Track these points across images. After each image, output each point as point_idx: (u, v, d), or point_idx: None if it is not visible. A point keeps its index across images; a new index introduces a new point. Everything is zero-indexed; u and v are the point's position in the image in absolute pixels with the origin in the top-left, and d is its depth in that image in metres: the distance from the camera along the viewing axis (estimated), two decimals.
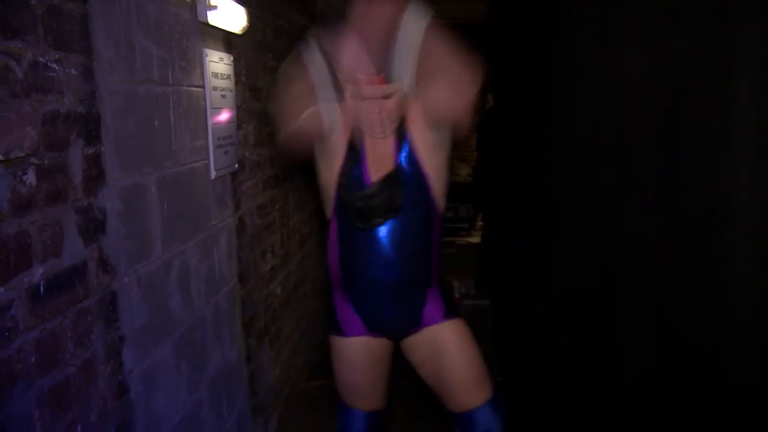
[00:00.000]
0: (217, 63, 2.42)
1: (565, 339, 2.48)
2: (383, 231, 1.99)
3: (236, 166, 2.65)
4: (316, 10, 4.48)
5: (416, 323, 2.11)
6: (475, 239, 5.14)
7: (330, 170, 2.04)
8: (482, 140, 5.37)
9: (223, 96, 2.48)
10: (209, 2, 2.24)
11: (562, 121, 3.02)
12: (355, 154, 1.99)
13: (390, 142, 1.97)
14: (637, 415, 1.96)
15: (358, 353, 2.18)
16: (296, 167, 3.66)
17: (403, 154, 1.96)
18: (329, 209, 2.09)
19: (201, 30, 2.27)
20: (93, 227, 1.56)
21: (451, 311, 2.14)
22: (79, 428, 1.49)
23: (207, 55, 2.30)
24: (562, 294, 2.52)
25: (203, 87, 2.29)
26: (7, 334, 1.24)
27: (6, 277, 1.24)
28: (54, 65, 1.40)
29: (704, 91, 1.59)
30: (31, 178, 1.32)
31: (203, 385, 2.28)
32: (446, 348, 2.11)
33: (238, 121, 2.70)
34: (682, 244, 1.69)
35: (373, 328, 2.14)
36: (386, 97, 1.88)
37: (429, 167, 1.98)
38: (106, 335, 1.62)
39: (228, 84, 2.54)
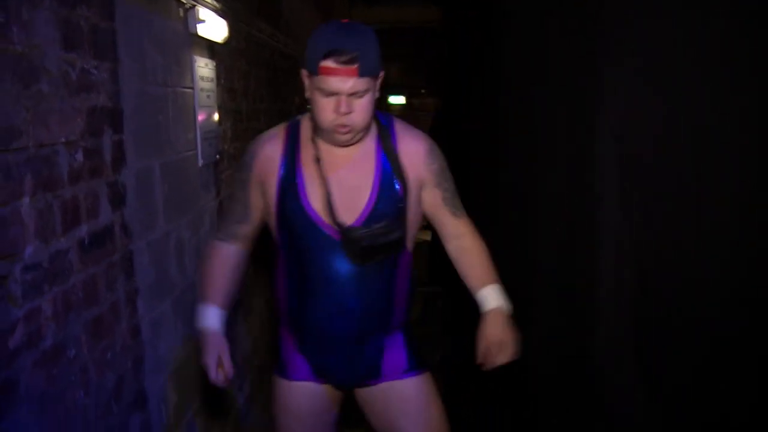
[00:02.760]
0: (203, 68, 2.84)
1: None
2: (342, 272, 1.82)
3: (218, 156, 3.07)
4: (282, 19, 4.92)
5: (373, 375, 1.95)
6: (427, 236, 5.66)
7: (269, 204, 1.91)
8: (438, 134, 5.86)
9: (208, 96, 2.90)
10: (198, 17, 2.67)
11: (497, 121, 3.51)
12: (295, 183, 1.84)
13: (367, 173, 1.82)
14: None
15: (301, 400, 2.00)
16: None
17: (385, 189, 1.81)
18: (274, 235, 1.95)
19: (191, 40, 2.69)
20: (118, 198, 1.97)
21: (414, 364, 1.97)
22: (109, 355, 1.91)
23: (196, 62, 2.73)
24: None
25: (193, 89, 2.71)
26: (66, 272, 1.66)
27: (65, 230, 1.66)
28: (94, 71, 1.82)
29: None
30: (80, 157, 1.73)
31: (194, 342, 2.70)
32: (405, 407, 1.96)
33: (218, 118, 3.12)
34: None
35: (321, 374, 1.97)
36: (355, 93, 1.67)
37: (412, 211, 1.87)
38: (126, 285, 2.03)
39: (211, 86, 2.96)
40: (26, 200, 1.46)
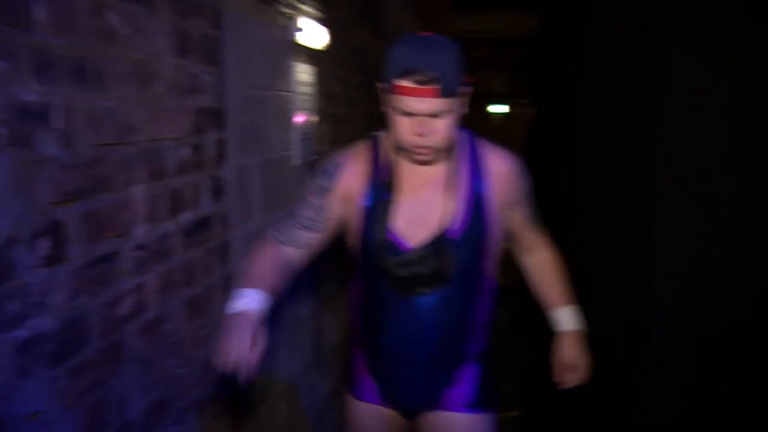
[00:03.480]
0: (303, 73, 3.04)
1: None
2: (418, 300, 1.74)
3: (314, 157, 3.26)
4: (381, 27, 5.09)
5: (436, 403, 1.87)
6: None
7: (351, 223, 1.82)
8: (530, 144, 5.88)
9: (306, 100, 3.09)
10: (300, 26, 2.86)
11: (576, 134, 3.55)
12: (382, 203, 1.73)
13: (446, 199, 1.71)
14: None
15: (368, 421, 1.96)
16: None
17: (469, 212, 1.70)
18: (351, 251, 1.88)
19: (292, 47, 2.89)
20: (218, 191, 2.18)
21: (479, 402, 1.86)
22: (204, 332, 2.11)
23: (295, 67, 2.92)
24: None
25: (292, 92, 2.90)
26: (169, 253, 1.86)
27: (172, 215, 1.86)
28: (202, 75, 2.02)
29: None
30: (187, 151, 1.94)
31: (280, 329, 2.89)
32: None
33: (316, 120, 3.31)
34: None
35: (389, 399, 1.90)
36: (435, 115, 1.56)
37: (494, 234, 1.75)
38: (222, 270, 2.23)
39: (310, 90, 3.16)
40: (139, 187, 1.67)
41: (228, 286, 2.29)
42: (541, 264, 1.96)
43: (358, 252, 1.80)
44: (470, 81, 1.65)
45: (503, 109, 14.63)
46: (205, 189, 2.08)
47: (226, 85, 2.21)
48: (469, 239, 1.69)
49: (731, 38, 2.16)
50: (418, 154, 1.63)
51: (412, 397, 1.85)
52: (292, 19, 2.80)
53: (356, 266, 1.87)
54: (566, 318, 1.90)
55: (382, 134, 1.83)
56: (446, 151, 1.69)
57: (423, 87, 1.51)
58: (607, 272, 3.02)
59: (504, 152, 1.80)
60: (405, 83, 1.52)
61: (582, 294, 2.09)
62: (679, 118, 2.28)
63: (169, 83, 1.82)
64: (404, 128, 1.59)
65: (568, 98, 4.03)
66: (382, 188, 1.74)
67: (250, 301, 1.58)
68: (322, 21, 3.17)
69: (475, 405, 1.86)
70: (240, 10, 2.31)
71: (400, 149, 1.70)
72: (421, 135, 1.57)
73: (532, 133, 5.57)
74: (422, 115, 1.55)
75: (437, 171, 1.73)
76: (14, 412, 1.25)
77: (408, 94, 1.53)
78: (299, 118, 2.99)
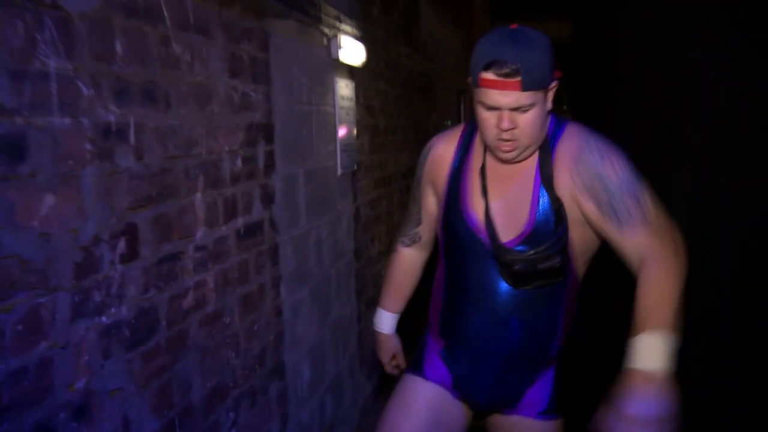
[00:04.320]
0: (344, 88, 3.24)
1: None
2: (504, 288, 1.66)
3: (355, 167, 3.46)
4: (419, 41, 5.28)
5: (511, 405, 1.79)
6: None
7: (439, 207, 1.81)
8: None
9: (347, 113, 3.30)
10: (340, 44, 3.06)
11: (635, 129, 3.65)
12: (459, 191, 1.72)
13: (527, 191, 1.64)
14: None
15: (426, 401, 1.82)
16: (401, 174, 4.46)
17: (542, 207, 1.61)
18: (438, 238, 1.84)
19: (334, 64, 3.10)
20: (268, 198, 2.38)
21: (552, 408, 1.79)
22: (256, 327, 2.31)
23: (337, 83, 3.13)
24: None
25: (334, 107, 3.11)
26: (225, 254, 2.07)
27: (227, 220, 2.07)
28: (252, 93, 2.23)
29: None
30: (239, 163, 2.15)
31: (326, 328, 3.09)
32: None
33: (356, 132, 3.51)
34: None
35: (459, 387, 1.81)
36: (518, 108, 1.50)
37: (576, 233, 1.62)
38: (272, 271, 2.44)
39: (351, 104, 3.36)
40: (199, 195, 1.88)
41: (277, 285, 2.49)
42: (642, 278, 1.46)
43: (446, 237, 1.76)
44: (558, 76, 1.59)
45: None
46: (256, 196, 2.29)
47: (273, 102, 2.42)
48: (543, 240, 1.59)
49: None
50: (503, 150, 1.57)
51: (488, 391, 1.75)
52: (332, 39, 3.01)
53: (441, 252, 1.82)
54: (641, 349, 1.35)
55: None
56: (531, 149, 1.60)
57: (505, 79, 1.47)
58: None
59: (577, 136, 1.62)
60: (488, 76, 1.49)
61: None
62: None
63: (224, 102, 2.03)
64: (488, 123, 1.54)
65: (603, 103, 4.14)
66: (465, 172, 1.72)
67: (387, 324, 2.13)
68: (361, 38, 3.38)
69: (550, 411, 1.78)
70: (285, 33, 2.52)
71: (487, 146, 1.65)
72: (504, 130, 1.52)
73: None
74: (506, 108, 1.50)
75: (522, 166, 1.65)
76: (99, 387, 1.47)
77: (491, 87, 1.49)
78: (341, 130, 3.19)
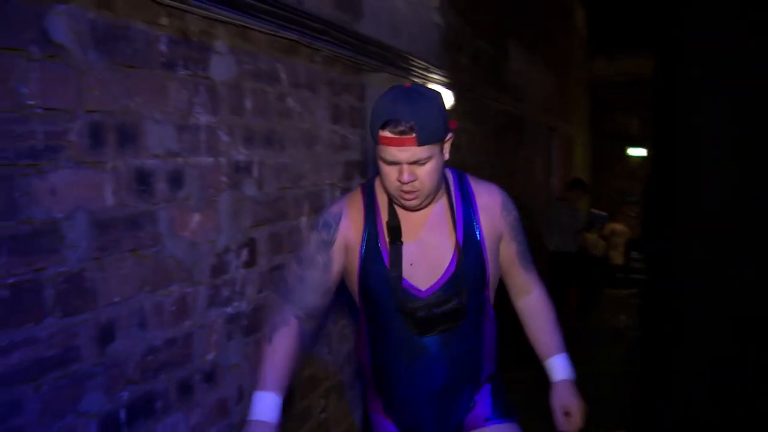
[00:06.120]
0: None
1: None
2: (419, 340, 1.74)
3: None
4: (507, 83, 5.67)
5: (459, 430, 1.87)
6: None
7: (352, 271, 1.78)
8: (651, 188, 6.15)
9: None
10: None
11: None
12: (379, 249, 1.73)
13: (443, 236, 1.74)
14: None
15: None
16: None
17: (467, 248, 1.73)
18: (355, 299, 1.85)
19: None
20: None
21: (499, 413, 1.89)
22: (346, 331, 2.74)
23: None
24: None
25: None
26: None
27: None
28: (349, 135, 2.70)
29: None
30: (338, 193, 2.61)
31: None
32: None
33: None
34: None
35: None
36: (416, 162, 1.59)
37: (492, 266, 1.78)
38: None
39: None
40: (304, 218, 2.35)
41: None
42: (534, 307, 1.91)
43: (363, 297, 1.79)
44: (454, 126, 1.70)
45: (641, 152, 14.59)
46: None
47: (367, 143, 2.88)
48: (473, 273, 1.73)
49: None
50: (406, 200, 1.66)
51: (433, 426, 1.83)
52: (440, 94, 3.44)
53: (361, 311, 1.84)
54: (561, 367, 1.87)
55: (375, 180, 1.81)
56: (432, 196, 1.70)
57: (401, 137, 1.55)
58: None
59: (491, 186, 1.83)
60: (386, 134, 1.56)
61: None
62: None
63: (326, 143, 2.50)
64: (390, 176, 1.62)
65: (687, 141, 4.29)
66: (378, 231, 1.75)
67: (268, 410, 1.62)
68: (448, 85, 3.81)
69: (496, 417, 1.87)
70: (378, 83, 2.98)
71: (391, 197, 1.72)
72: (405, 182, 1.59)
73: (653, 174, 5.82)
74: (404, 162, 1.58)
75: (430, 212, 1.76)
76: (223, 361, 1.93)
77: (389, 144, 1.57)
78: None
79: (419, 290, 1.70)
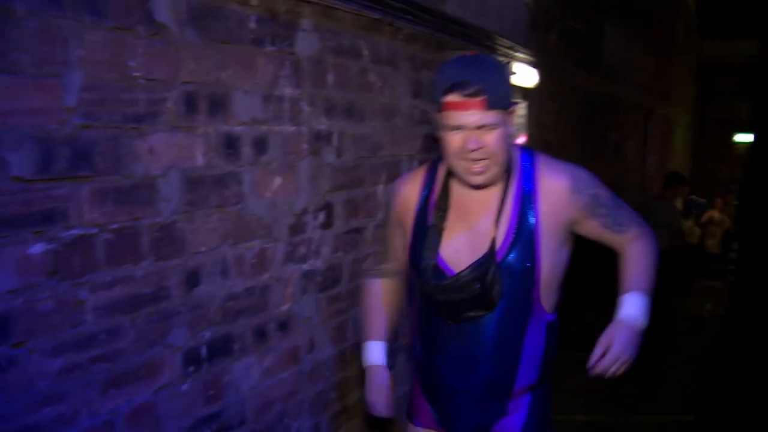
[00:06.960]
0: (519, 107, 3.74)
1: None
2: (468, 326, 1.68)
3: None
4: (600, 63, 5.61)
5: (484, 430, 1.80)
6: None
7: (402, 248, 1.80)
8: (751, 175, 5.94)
9: (519, 128, 3.79)
10: (512, 69, 3.56)
11: None
12: (427, 228, 1.70)
13: (488, 220, 1.66)
14: None
15: None
16: None
17: (516, 238, 1.64)
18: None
19: None
20: None
21: (530, 431, 1.77)
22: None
23: None
24: None
25: None
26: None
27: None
28: (429, 111, 2.81)
29: None
30: (415, 164, 2.73)
31: None
32: None
33: (529, 143, 3.98)
34: None
35: (443, 424, 1.85)
36: (483, 127, 1.51)
37: (547, 262, 1.66)
38: None
39: (522, 121, 3.84)
40: (381, 186, 2.50)
41: None
42: (628, 254, 1.75)
43: (412, 277, 1.79)
44: (516, 102, 1.66)
45: (750, 138, 13.90)
46: None
47: None
48: (515, 266, 1.63)
49: None
50: (473, 173, 1.57)
51: (464, 426, 1.78)
52: (506, 64, 3.52)
53: (411, 292, 1.85)
54: (629, 306, 1.66)
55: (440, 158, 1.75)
56: (499, 172, 1.61)
57: (469, 99, 1.48)
58: None
59: (560, 169, 1.69)
60: (451, 98, 1.50)
61: None
62: None
63: (405, 117, 2.64)
64: (455, 145, 1.54)
65: None
66: (432, 213, 1.71)
67: (376, 356, 1.84)
68: (535, 64, 3.85)
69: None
70: None
71: (453, 174, 1.67)
72: (472, 149, 1.52)
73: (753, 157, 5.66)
74: (471, 128, 1.51)
75: (487, 196, 1.66)
76: (297, 313, 2.12)
77: (456, 108, 1.50)
78: (518, 140, 3.70)
79: (451, 272, 1.65)
